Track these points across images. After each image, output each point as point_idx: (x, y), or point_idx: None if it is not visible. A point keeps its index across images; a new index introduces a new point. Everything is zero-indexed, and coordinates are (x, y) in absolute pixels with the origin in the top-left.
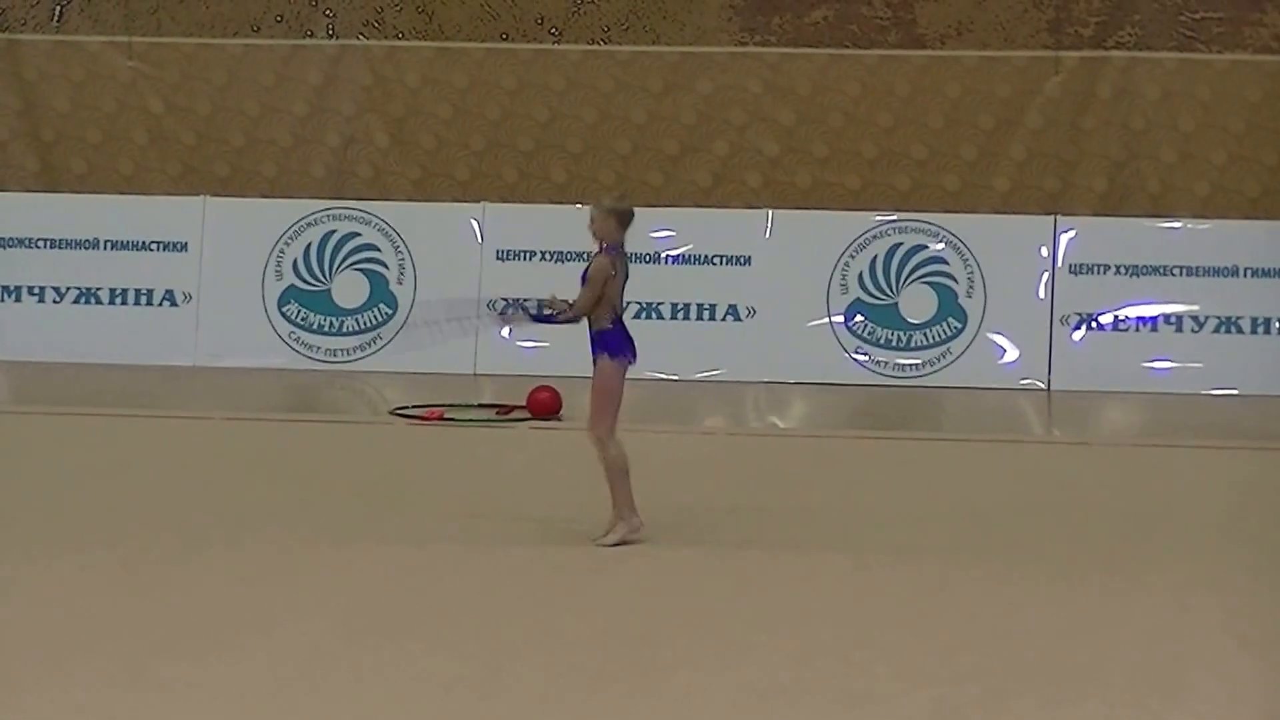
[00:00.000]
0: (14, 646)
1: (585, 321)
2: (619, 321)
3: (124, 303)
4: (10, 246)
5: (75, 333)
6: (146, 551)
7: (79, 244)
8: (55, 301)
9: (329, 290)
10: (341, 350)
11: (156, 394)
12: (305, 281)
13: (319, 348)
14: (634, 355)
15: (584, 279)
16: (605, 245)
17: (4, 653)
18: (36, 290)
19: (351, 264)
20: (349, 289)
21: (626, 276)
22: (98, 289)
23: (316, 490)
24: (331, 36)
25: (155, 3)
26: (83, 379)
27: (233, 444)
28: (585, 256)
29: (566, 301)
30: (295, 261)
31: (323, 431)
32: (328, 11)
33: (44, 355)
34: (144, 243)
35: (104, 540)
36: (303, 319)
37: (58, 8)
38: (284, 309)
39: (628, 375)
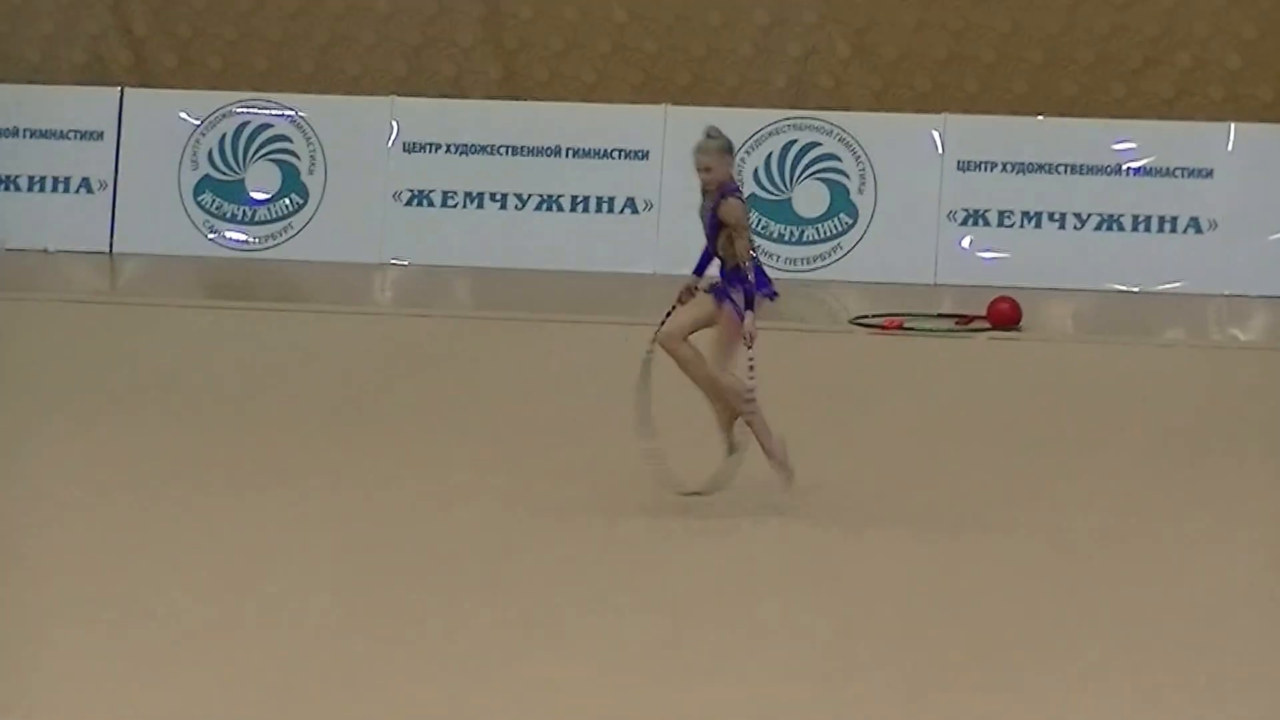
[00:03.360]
0: None
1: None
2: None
3: (585, 210)
4: (473, 153)
5: (536, 239)
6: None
7: (540, 151)
8: (517, 208)
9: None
10: (802, 260)
11: (618, 301)
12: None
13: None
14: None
15: (714, 226)
16: (728, 186)
17: None
18: (499, 196)
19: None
20: (808, 199)
21: None
22: (559, 196)
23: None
24: None
25: None
26: (540, 286)
27: None
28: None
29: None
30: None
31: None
32: None
33: (506, 262)
34: (605, 151)
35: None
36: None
37: None
38: None
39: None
